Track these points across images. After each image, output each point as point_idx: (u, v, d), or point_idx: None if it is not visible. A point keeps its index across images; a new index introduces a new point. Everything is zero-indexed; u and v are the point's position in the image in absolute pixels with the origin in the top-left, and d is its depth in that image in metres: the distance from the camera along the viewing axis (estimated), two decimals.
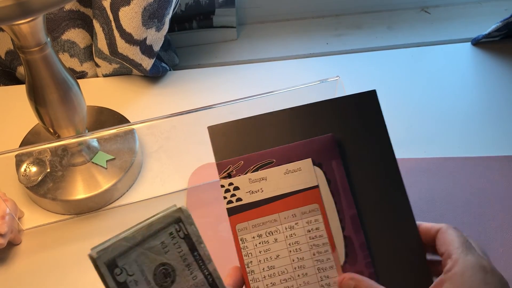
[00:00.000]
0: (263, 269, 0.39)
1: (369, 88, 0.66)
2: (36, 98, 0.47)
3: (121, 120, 0.59)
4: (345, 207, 0.40)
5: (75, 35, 0.62)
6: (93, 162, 0.55)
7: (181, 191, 0.56)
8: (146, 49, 0.60)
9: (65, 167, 0.54)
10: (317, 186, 0.40)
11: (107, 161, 0.55)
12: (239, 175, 0.40)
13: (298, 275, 0.39)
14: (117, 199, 0.55)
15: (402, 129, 0.62)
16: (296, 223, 0.39)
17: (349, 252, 0.39)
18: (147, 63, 0.62)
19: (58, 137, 0.52)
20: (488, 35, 0.70)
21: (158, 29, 0.59)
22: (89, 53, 0.66)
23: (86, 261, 0.51)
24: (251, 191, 0.39)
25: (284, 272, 0.39)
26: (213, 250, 0.50)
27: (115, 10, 0.56)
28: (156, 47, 0.61)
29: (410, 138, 0.61)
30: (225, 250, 0.50)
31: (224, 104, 0.52)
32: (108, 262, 0.29)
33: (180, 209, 0.31)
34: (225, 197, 0.40)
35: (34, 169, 0.53)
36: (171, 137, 0.61)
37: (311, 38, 0.75)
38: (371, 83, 0.67)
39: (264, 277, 0.39)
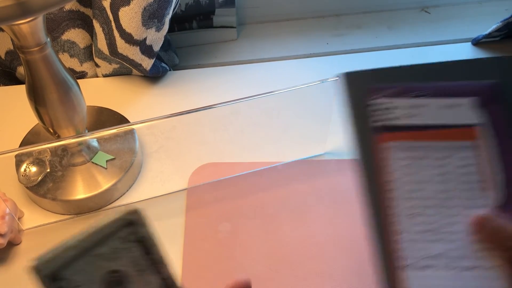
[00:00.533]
0: (407, 190, 0.38)
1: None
2: (36, 98, 0.47)
3: (121, 120, 0.59)
4: (506, 150, 0.38)
5: (75, 35, 0.62)
6: (93, 162, 0.55)
7: (181, 191, 0.56)
8: (146, 49, 0.60)
9: (65, 167, 0.54)
10: (477, 124, 0.38)
11: (107, 161, 0.55)
12: (399, 98, 0.39)
13: (444, 206, 0.37)
14: (117, 199, 0.55)
15: None
16: (449, 155, 0.38)
17: (510, 194, 0.37)
18: (147, 63, 0.62)
19: (58, 137, 0.52)
20: (489, 35, 0.70)
21: (158, 29, 0.59)
22: (89, 53, 0.66)
23: None
24: (408, 114, 0.39)
25: (429, 198, 0.37)
26: (213, 250, 0.51)
27: (115, 10, 0.56)
28: (156, 47, 0.61)
29: None
30: (225, 249, 0.50)
31: (224, 104, 0.52)
32: (50, 274, 0.27)
33: (132, 211, 0.29)
34: (374, 116, 0.39)
35: (34, 169, 0.53)
36: (171, 137, 0.61)
37: (311, 38, 0.75)
38: None
39: (408, 198, 0.37)
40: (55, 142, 0.50)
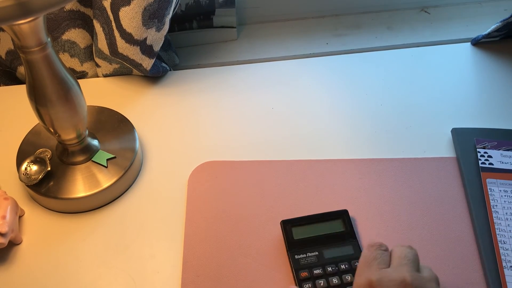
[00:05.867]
0: (506, 213, 0.51)
1: (368, 88, 0.66)
2: (37, 98, 0.47)
3: (121, 120, 0.60)
4: None
5: (76, 35, 0.63)
6: (93, 161, 0.55)
7: (181, 190, 0.56)
8: (146, 49, 0.61)
9: (66, 166, 0.54)
10: None
11: (107, 160, 0.55)
12: (493, 149, 0.56)
13: None
14: (118, 197, 0.55)
15: (402, 129, 0.62)
16: None
17: None
18: (147, 63, 0.62)
19: (59, 137, 0.52)
20: (488, 35, 0.70)
21: (158, 29, 0.59)
22: (89, 53, 0.66)
23: (87, 259, 0.51)
24: (501, 161, 0.55)
25: None
26: (213, 248, 0.51)
27: (115, 10, 0.57)
28: (156, 47, 0.62)
29: (410, 138, 0.61)
30: (224, 248, 0.51)
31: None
32: None
33: None
34: (480, 159, 0.56)
35: (34, 167, 0.53)
36: (171, 136, 0.61)
37: (311, 38, 0.75)
38: (371, 83, 0.67)
39: (506, 219, 0.51)
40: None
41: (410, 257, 0.42)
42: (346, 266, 0.48)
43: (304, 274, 0.47)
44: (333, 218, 0.51)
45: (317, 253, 0.49)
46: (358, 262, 0.45)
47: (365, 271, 0.41)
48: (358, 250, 0.49)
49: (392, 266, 0.41)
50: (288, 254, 0.49)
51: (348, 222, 0.51)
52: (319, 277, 0.47)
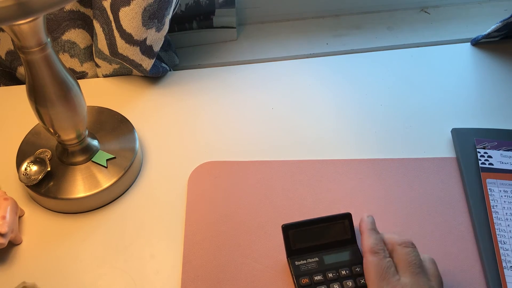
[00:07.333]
0: (506, 213, 0.52)
1: (368, 88, 0.66)
2: (37, 98, 0.47)
3: (121, 120, 0.60)
4: None
5: (76, 36, 0.63)
6: (93, 161, 0.55)
7: (181, 190, 0.56)
8: (146, 49, 0.61)
9: (66, 166, 0.54)
10: None
11: (107, 160, 0.55)
12: (493, 149, 0.56)
13: None
14: (118, 198, 0.55)
15: (402, 129, 0.62)
16: None
17: None
18: (147, 63, 0.62)
19: (59, 137, 0.52)
20: (488, 36, 0.70)
21: (158, 30, 0.59)
22: (89, 54, 0.66)
23: (87, 259, 0.51)
24: (501, 162, 0.55)
25: None
26: (213, 248, 0.51)
27: (115, 10, 0.57)
28: (156, 48, 0.62)
29: (410, 138, 0.61)
30: (224, 248, 0.51)
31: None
32: None
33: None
34: (480, 159, 0.56)
35: (34, 168, 0.53)
36: (171, 136, 0.61)
37: (311, 38, 0.75)
38: (372, 83, 0.67)
39: (506, 219, 0.51)
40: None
41: (416, 261, 0.43)
42: (347, 271, 0.47)
43: (305, 280, 0.47)
44: (336, 222, 0.49)
45: (317, 259, 0.48)
46: (363, 269, 0.45)
47: (382, 285, 0.42)
48: (358, 254, 0.48)
49: (405, 276, 0.43)
50: (288, 261, 0.48)
51: (350, 226, 0.49)
52: (320, 283, 0.46)
